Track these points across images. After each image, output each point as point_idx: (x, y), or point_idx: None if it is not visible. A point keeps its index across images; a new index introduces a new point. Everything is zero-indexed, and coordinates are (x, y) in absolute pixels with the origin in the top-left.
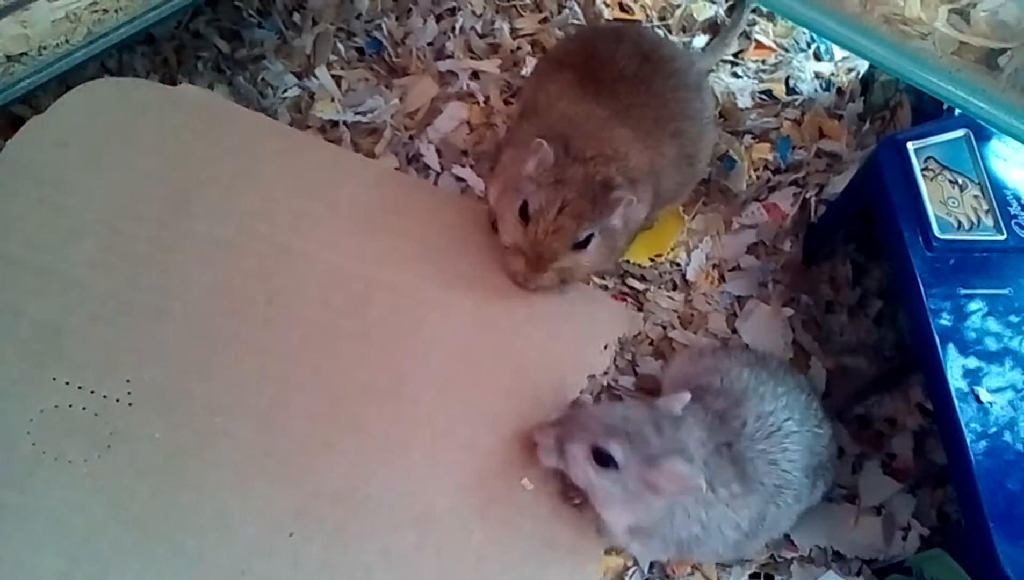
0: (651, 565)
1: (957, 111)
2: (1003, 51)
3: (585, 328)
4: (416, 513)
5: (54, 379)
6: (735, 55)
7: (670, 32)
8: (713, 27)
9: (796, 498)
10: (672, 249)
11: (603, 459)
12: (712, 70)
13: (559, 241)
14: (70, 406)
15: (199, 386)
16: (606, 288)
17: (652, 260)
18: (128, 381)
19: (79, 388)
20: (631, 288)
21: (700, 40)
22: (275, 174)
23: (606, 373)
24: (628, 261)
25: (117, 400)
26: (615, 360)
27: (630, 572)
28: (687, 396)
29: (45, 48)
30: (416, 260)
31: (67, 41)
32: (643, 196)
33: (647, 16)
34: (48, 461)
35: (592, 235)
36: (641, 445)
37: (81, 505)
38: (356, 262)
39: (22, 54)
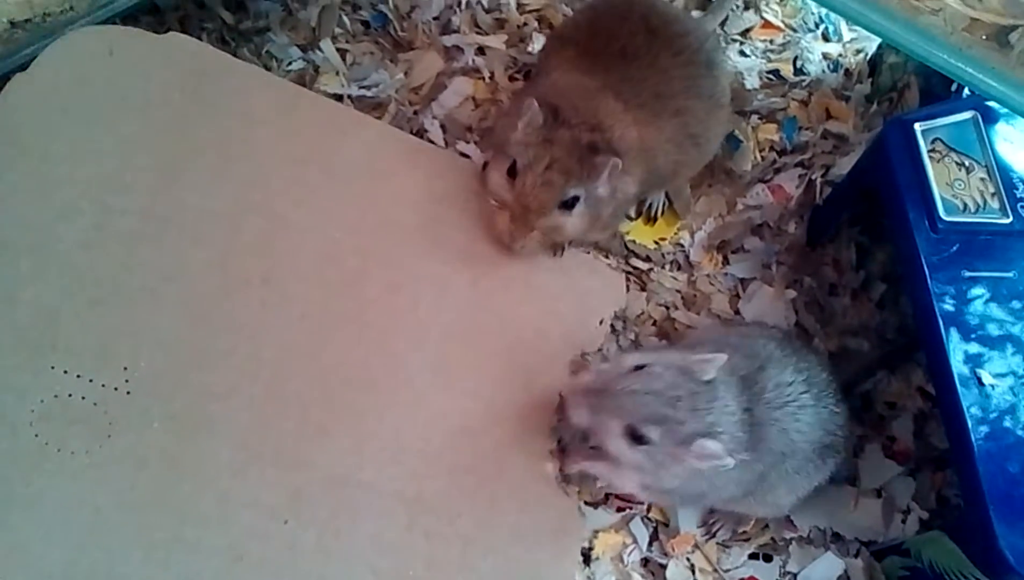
0: (650, 543)
1: (965, 92)
2: (1014, 28)
3: (581, 303)
4: (407, 498)
5: (52, 368)
6: (743, 34)
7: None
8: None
9: (797, 469)
10: (676, 231)
11: (638, 438)
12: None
13: (547, 194)
14: (70, 396)
15: (195, 373)
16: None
17: (657, 243)
18: (125, 369)
19: (78, 377)
20: (635, 268)
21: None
22: (269, 136)
23: (599, 350)
24: (633, 241)
25: (115, 389)
26: (618, 339)
27: (628, 550)
28: (723, 358)
29: (49, 15)
30: (413, 232)
31: (71, 8)
32: (632, 169)
33: None
34: (51, 452)
35: (578, 198)
36: (676, 425)
37: (85, 496)
38: (352, 235)
39: (26, 21)
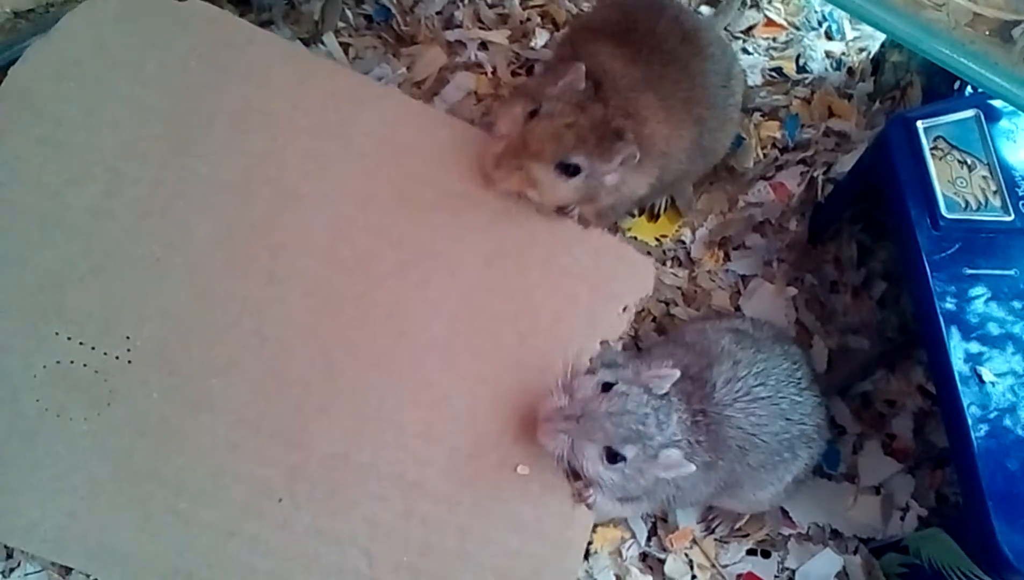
0: (648, 537)
1: (967, 91)
2: (1017, 23)
3: (604, 288)
4: (406, 482)
5: (56, 334)
6: (746, 32)
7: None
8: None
9: (761, 463)
10: (678, 228)
11: (614, 457)
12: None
13: (551, 145)
14: (72, 362)
15: (197, 346)
16: None
17: (658, 240)
18: (128, 338)
19: (80, 344)
20: None
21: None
22: (286, 107)
23: (620, 339)
24: (635, 237)
25: (117, 357)
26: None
27: (627, 544)
28: (676, 374)
29: (52, 5)
30: (429, 208)
31: None
32: (648, 169)
33: None
34: (51, 418)
35: (579, 170)
36: (648, 441)
37: (81, 463)
38: (365, 211)
39: (29, 11)
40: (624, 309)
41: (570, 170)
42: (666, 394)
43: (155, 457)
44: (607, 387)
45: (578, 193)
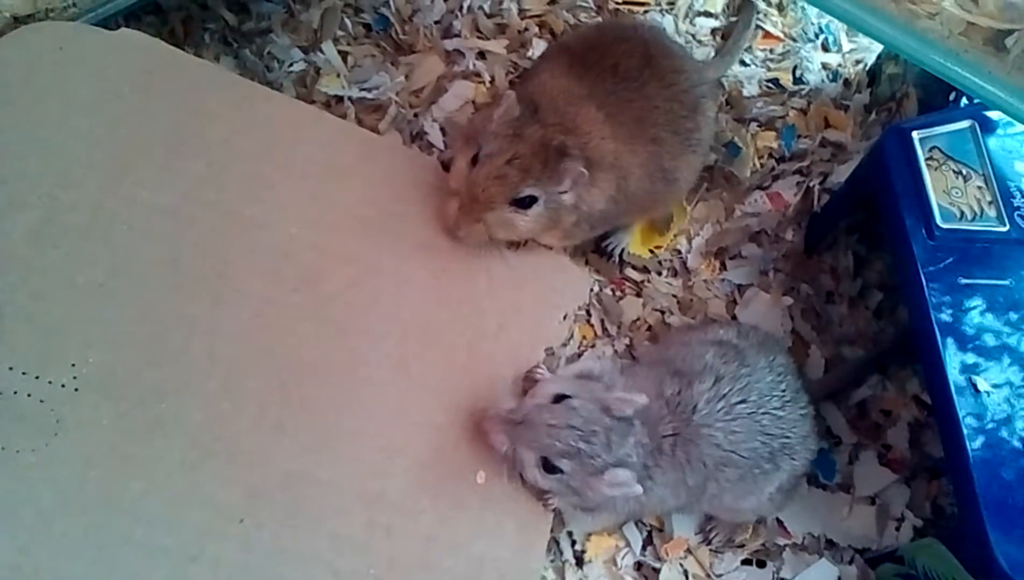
0: (643, 546)
1: (963, 102)
2: (1010, 32)
3: (545, 297)
4: (367, 495)
5: None
6: None
7: (676, 19)
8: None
9: (740, 476)
10: (673, 237)
11: (551, 468)
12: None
13: (497, 189)
14: (15, 393)
15: (146, 369)
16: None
17: (652, 252)
18: (73, 365)
19: (23, 374)
20: (630, 278)
21: (703, 22)
22: (223, 132)
23: (565, 345)
24: (628, 253)
25: (62, 385)
26: (613, 343)
27: (622, 553)
28: (643, 399)
29: (52, 11)
30: (373, 227)
31: (74, 5)
32: (602, 184)
33: (656, 0)
34: None
35: (535, 199)
36: (588, 458)
37: (31, 496)
38: (310, 230)
39: (28, 16)
40: (564, 317)
41: (525, 203)
42: (627, 417)
43: (108, 485)
44: (560, 399)
45: (542, 220)
